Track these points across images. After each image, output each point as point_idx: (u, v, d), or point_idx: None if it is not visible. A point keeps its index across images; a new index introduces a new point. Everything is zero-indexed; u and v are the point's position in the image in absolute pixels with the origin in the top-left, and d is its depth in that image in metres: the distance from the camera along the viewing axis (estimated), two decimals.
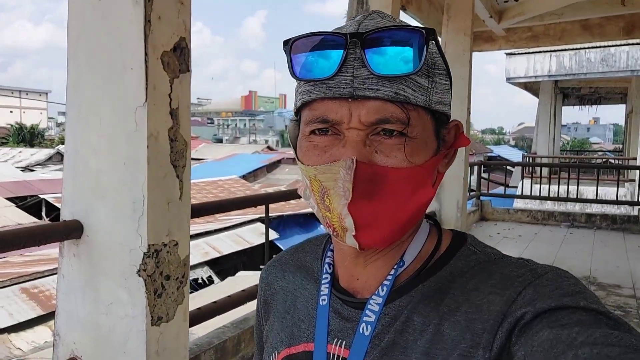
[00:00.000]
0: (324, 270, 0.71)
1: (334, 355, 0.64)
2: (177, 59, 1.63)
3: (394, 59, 0.55)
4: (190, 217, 1.90)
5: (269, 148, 35.75)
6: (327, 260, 0.72)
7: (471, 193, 7.38)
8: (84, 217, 1.67)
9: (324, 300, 0.69)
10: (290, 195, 3.01)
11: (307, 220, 14.59)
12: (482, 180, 8.15)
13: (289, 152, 33.11)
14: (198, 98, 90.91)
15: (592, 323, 0.49)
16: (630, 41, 9.79)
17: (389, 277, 0.64)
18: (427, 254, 0.65)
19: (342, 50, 0.56)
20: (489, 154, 26.22)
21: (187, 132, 1.70)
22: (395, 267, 0.64)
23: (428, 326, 0.59)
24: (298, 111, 0.64)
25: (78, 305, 1.71)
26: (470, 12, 4.93)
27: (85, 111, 1.64)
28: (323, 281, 0.70)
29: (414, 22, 5.80)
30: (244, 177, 21.10)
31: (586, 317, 0.50)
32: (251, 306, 2.92)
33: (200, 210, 2.00)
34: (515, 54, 11.70)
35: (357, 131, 0.57)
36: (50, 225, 1.67)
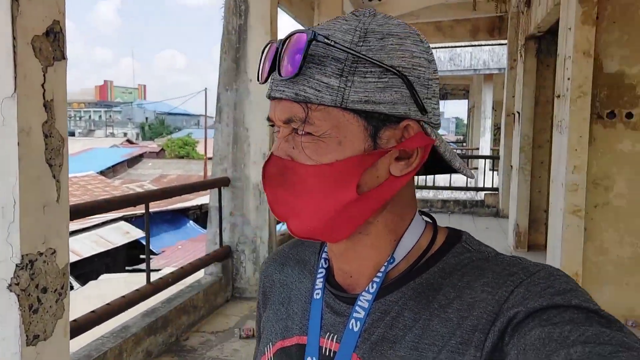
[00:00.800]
0: (320, 265, 0.72)
1: (326, 349, 0.66)
2: (50, 44, 1.45)
3: (289, 63, 0.59)
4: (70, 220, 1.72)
5: (129, 141, 33.64)
6: (324, 255, 0.73)
7: None
8: None
9: (318, 294, 0.69)
10: (172, 192, 2.86)
11: (175, 217, 14.01)
12: None
13: (151, 146, 31.44)
14: None
15: (584, 321, 0.50)
16: (474, 43, 10.89)
17: (379, 274, 0.65)
18: (420, 251, 0.66)
19: (275, 56, 0.60)
20: None
21: (63, 127, 1.52)
22: (385, 264, 0.65)
23: (417, 322, 0.60)
24: None
25: None
26: (340, 10, 5.09)
27: None
28: (318, 275, 0.71)
29: (286, 17, 5.82)
30: (101, 172, 19.65)
31: (578, 316, 0.51)
32: (132, 313, 2.73)
33: (78, 212, 1.81)
34: None
35: (281, 128, 0.61)
36: None
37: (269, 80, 0.63)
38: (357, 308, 0.64)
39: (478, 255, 0.64)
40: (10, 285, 1.40)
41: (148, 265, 2.81)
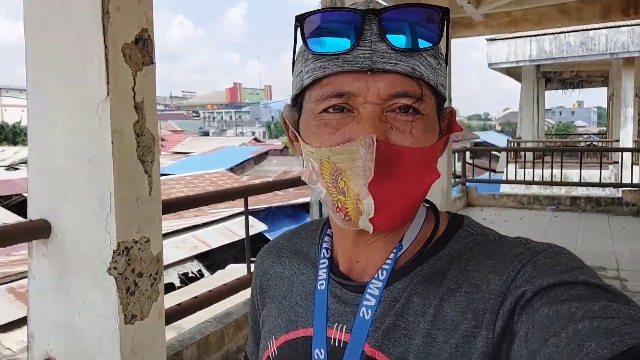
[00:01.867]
0: (322, 255, 0.71)
1: (334, 339, 0.64)
2: (139, 51, 1.59)
3: (411, 35, 0.57)
4: (164, 213, 1.88)
5: (256, 140, 35.55)
6: (325, 245, 0.72)
7: (456, 180, 7.40)
8: (52, 216, 1.63)
9: (322, 284, 0.68)
10: (271, 186, 2.98)
11: (296, 211, 14.56)
12: (467, 166, 8.17)
13: (276, 144, 32.90)
14: (183, 91, 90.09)
15: (591, 297, 0.50)
16: (609, 24, 9.82)
17: (388, 261, 0.64)
18: (425, 237, 0.65)
19: (359, 25, 0.56)
20: (475, 140, 26.33)
21: (154, 126, 1.66)
22: (394, 250, 0.64)
23: (429, 307, 0.59)
24: (302, 92, 0.62)
25: (50, 306, 1.68)
26: None
27: (48, 107, 1.59)
28: (321, 266, 0.70)
29: None
30: (231, 169, 20.98)
31: (585, 292, 0.51)
32: (234, 300, 2.90)
33: (176, 205, 1.96)
34: (496, 39, 11.69)
35: (373, 106, 0.57)
36: (16, 225, 1.62)
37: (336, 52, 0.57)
38: (367, 296, 0.63)
39: (482, 238, 0.63)
40: (109, 269, 1.56)
41: (248, 256, 2.97)
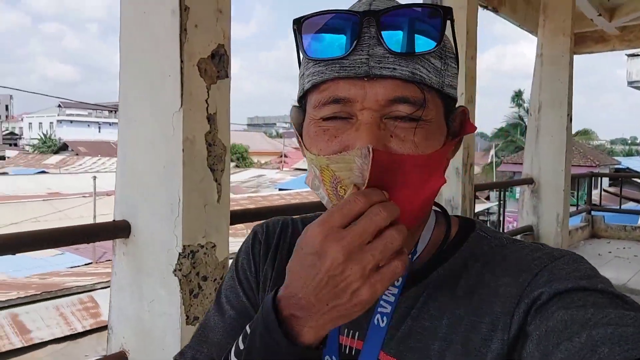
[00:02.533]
0: None
1: (345, 346, 0.63)
2: (215, 65, 1.68)
3: (411, 38, 0.54)
4: (236, 222, 1.95)
5: None
6: None
7: (578, 207, 6.76)
8: (132, 217, 1.77)
9: None
10: None
11: None
12: (605, 194, 7.42)
13: None
14: None
15: (608, 305, 0.49)
16: None
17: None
18: (438, 241, 0.65)
19: (357, 29, 0.55)
20: (615, 166, 23.89)
21: (226, 137, 1.73)
22: (409, 255, 0.62)
23: (444, 312, 0.58)
24: (304, 95, 0.62)
25: (127, 301, 1.81)
26: (570, 12, 4.53)
27: (133, 117, 1.74)
28: None
29: (509, 25, 5.45)
30: None
31: (602, 299, 0.50)
32: None
33: (246, 215, 2.03)
34: (637, 55, 10.56)
35: (371, 112, 0.55)
36: (101, 224, 1.79)
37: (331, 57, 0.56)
38: (382, 302, 0.62)
39: (496, 242, 0.62)
40: (174, 270, 1.65)
41: None
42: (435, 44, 0.55)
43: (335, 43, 0.56)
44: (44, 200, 13.29)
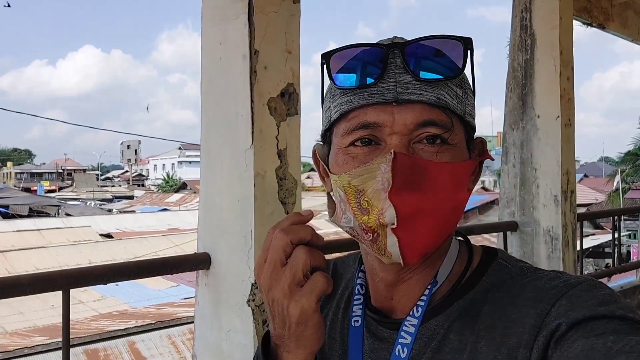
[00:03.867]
0: (357, 291, 0.71)
1: None
2: (284, 103, 1.75)
3: (436, 65, 0.58)
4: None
5: (484, 189, 34.21)
6: (359, 281, 0.72)
7: None
8: (212, 249, 1.87)
9: (357, 321, 0.69)
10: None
11: None
12: None
13: None
14: None
15: (629, 332, 0.49)
16: None
17: (424, 298, 0.64)
18: (459, 271, 0.65)
19: (384, 59, 0.58)
20: None
21: (296, 171, 1.79)
22: (429, 287, 0.64)
23: (466, 344, 0.59)
24: (330, 128, 0.65)
25: (208, 331, 1.90)
26: None
27: (212, 156, 1.86)
28: (355, 302, 0.71)
29: (619, 41, 5.05)
30: None
31: (622, 326, 0.49)
32: None
33: (332, 248, 2.05)
34: None
35: (400, 136, 0.57)
36: (184, 256, 1.91)
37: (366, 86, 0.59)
38: (402, 333, 0.63)
39: (517, 271, 0.62)
40: (248, 300, 1.71)
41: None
42: (458, 70, 0.58)
43: (364, 73, 0.59)
44: (162, 235, 14.39)
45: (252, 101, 1.68)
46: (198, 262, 1.85)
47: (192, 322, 2.03)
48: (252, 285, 1.70)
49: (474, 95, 0.63)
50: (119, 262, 1.70)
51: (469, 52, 0.59)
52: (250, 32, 1.67)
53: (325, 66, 0.61)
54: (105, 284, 1.67)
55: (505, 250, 3.48)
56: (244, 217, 1.72)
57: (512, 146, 3.16)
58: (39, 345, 6.09)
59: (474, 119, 0.63)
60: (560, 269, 3.47)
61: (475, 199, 25.14)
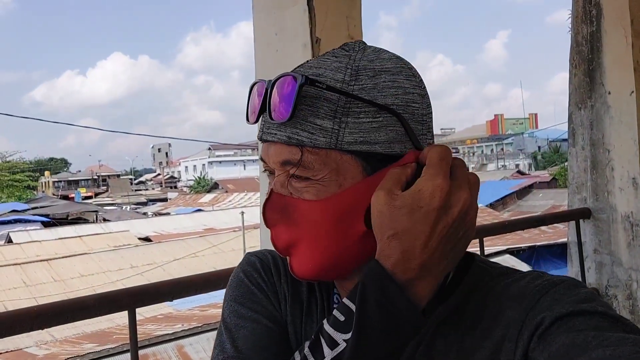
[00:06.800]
0: (334, 300, 0.69)
1: None
2: None
3: (281, 107, 0.58)
4: None
5: (520, 172, 33.49)
6: (336, 295, 0.70)
7: None
8: None
9: None
10: (511, 226, 2.66)
11: (565, 251, 12.93)
12: None
13: (543, 176, 30.37)
14: (442, 129, 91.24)
15: (609, 328, 0.50)
16: None
17: None
18: None
19: (264, 96, 0.60)
20: None
21: None
22: None
23: (452, 346, 0.60)
24: None
25: None
26: None
27: None
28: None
29: None
30: (491, 205, 20.11)
31: (603, 323, 0.51)
32: None
33: None
34: None
35: (278, 171, 0.61)
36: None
37: (260, 121, 0.62)
38: None
39: (497, 273, 0.64)
40: None
41: None
42: (289, 111, 0.56)
43: (254, 110, 0.62)
44: (200, 236, 14.47)
45: None
46: None
47: None
48: None
49: (394, 114, 0.59)
50: (183, 277, 1.58)
51: (300, 88, 0.57)
52: (311, 19, 1.52)
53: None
54: (171, 300, 1.54)
55: (580, 240, 3.28)
56: None
57: (579, 127, 2.93)
58: (90, 352, 6.14)
59: (378, 143, 0.58)
60: None
61: (512, 184, 24.55)
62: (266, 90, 0.59)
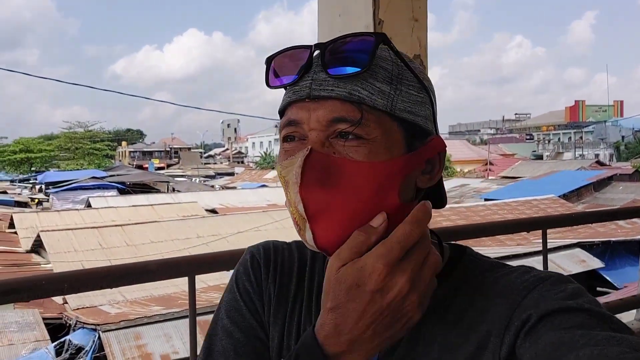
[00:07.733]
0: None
1: None
2: None
3: (346, 62, 0.59)
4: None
5: (599, 163, 31.57)
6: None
7: None
8: None
9: None
10: (578, 219, 2.55)
11: None
12: None
13: (625, 168, 28.38)
14: (516, 114, 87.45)
15: (596, 325, 0.51)
16: None
17: None
18: None
19: (308, 59, 0.61)
20: None
21: None
22: None
23: (437, 336, 0.61)
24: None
25: None
26: None
27: None
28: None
29: None
30: (564, 196, 19.17)
31: (590, 320, 0.51)
32: None
33: (452, 234, 1.88)
34: None
35: (316, 132, 0.59)
36: None
37: (296, 84, 0.62)
38: None
39: (487, 267, 0.65)
40: None
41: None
42: (363, 66, 0.58)
43: (290, 72, 0.62)
44: (263, 211, 14.83)
45: None
46: None
47: None
48: None
49: (427, 93, 0.64)
50: (241, 249, 1.65)
51: (387, 50, 0.62)
52: (374, 0, 1.51)
53: (267, 68, 0.65)
54: (228, 270, 1.62)
55: None
56: None
57: None
58: (157, 315, 6.52)
59: (419, 116, 0.62)
60: None
61: (589, 174, 23.18)
62: (324, 45, 0.60)
